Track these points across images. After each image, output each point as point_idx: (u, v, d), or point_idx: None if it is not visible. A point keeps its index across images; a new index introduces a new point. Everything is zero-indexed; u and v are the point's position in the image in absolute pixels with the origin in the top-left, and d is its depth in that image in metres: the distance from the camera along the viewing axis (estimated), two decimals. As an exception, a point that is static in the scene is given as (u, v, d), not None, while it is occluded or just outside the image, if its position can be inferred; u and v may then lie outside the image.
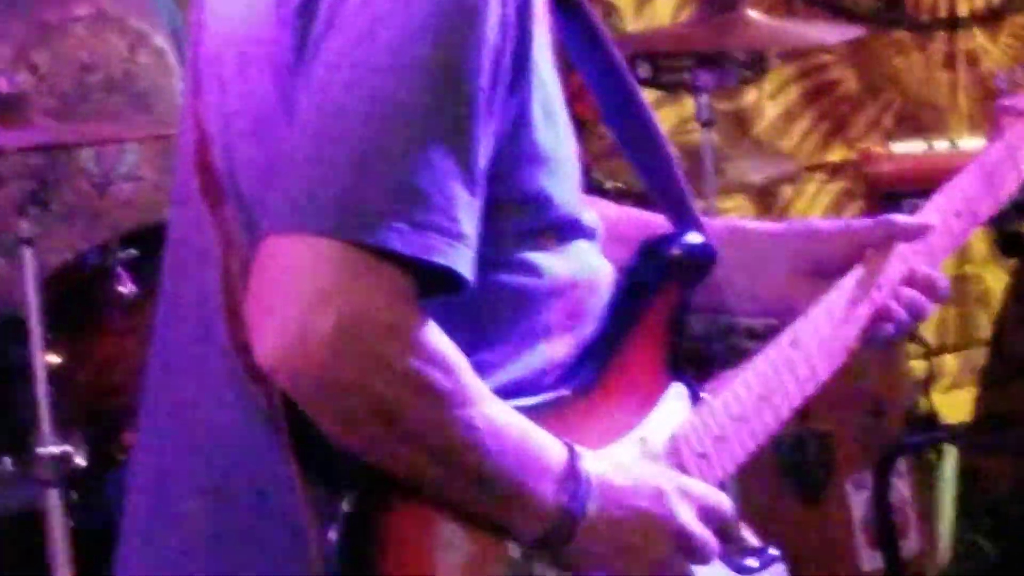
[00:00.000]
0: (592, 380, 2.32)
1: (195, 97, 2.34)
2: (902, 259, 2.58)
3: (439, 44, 2.08)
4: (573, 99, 2.38)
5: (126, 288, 3.75)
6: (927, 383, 4.94)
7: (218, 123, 2.28)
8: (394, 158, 2.08)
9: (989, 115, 3.02)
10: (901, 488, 4.37)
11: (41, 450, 3.51)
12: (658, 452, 2.33)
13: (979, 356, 5.42)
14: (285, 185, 2.11)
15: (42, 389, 3.54)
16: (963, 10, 5.61)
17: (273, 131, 2.18)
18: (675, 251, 2.41)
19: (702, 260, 2.44)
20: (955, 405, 5.36)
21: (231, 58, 2.29)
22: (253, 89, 2.24)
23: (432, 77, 2.09)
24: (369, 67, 2.08)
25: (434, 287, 2.05)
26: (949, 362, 5.58)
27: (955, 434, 4.99)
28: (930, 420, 4.76)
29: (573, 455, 2.18)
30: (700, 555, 2.26)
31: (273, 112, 2.19)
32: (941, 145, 4.66)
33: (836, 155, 5.50)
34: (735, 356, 2.73)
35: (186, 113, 2.37)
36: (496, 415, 2.15)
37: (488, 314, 2.25)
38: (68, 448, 3.54)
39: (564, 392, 2.27)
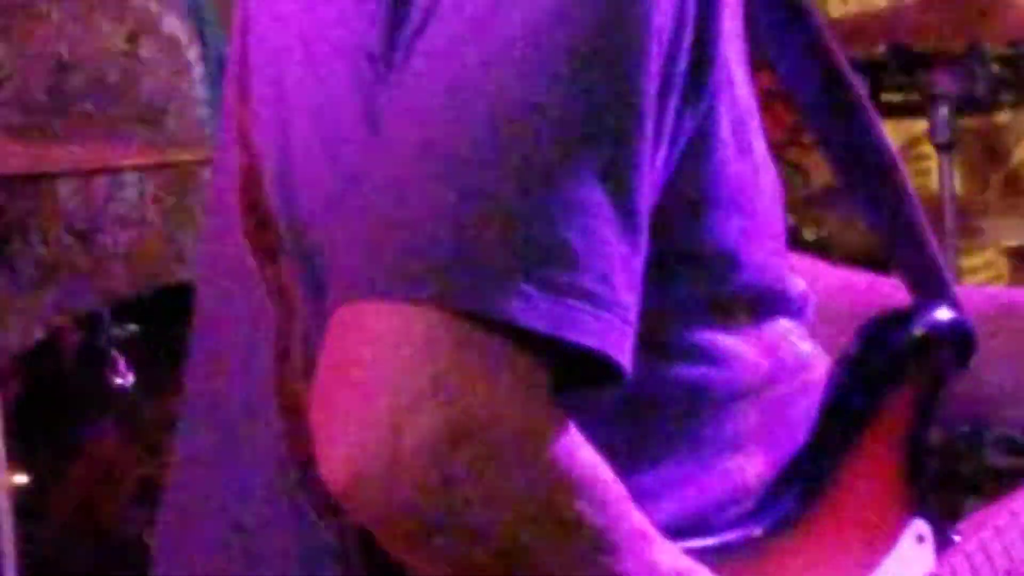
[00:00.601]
0: (796, 515, 1.84)
1: (242, 107, 1.94)
2: None
3: (588, 33, 1.65)
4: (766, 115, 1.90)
5: (123, 379, 3.32)
6: None
7: (273, 142, 1.85)
8: (524, 196, 1.64)
9: None
10: None
11: None
12: None
13: None
14: (367, 230, 1.69)
15: (5, 522, 3.03)
16: None
17: (349, 151, 1.76)
18: (917, 333, 1.90)
19: (955, 346, 1.91)
20: None
21: (293, 56, 1.89)
22: (323, 96, 1.82)
23: (578, 80, 1.66)
24: (488, 66, 1.67)
25: (577, 377, 1.57)
26: None
27: None
28: None
29: None
30: None
31: (349, 126, 1.76)
32: None
33: None
34: (988, 478, 2.97)
35: (227, 129, 1.93)
36: (662, 565, 1.66)
37: (652, 419, 1.76)
38: None
39: (756, 531, 1.81)
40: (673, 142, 1.61)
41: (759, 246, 1.77)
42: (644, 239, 1.53)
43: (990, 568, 1.93)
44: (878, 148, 1.93)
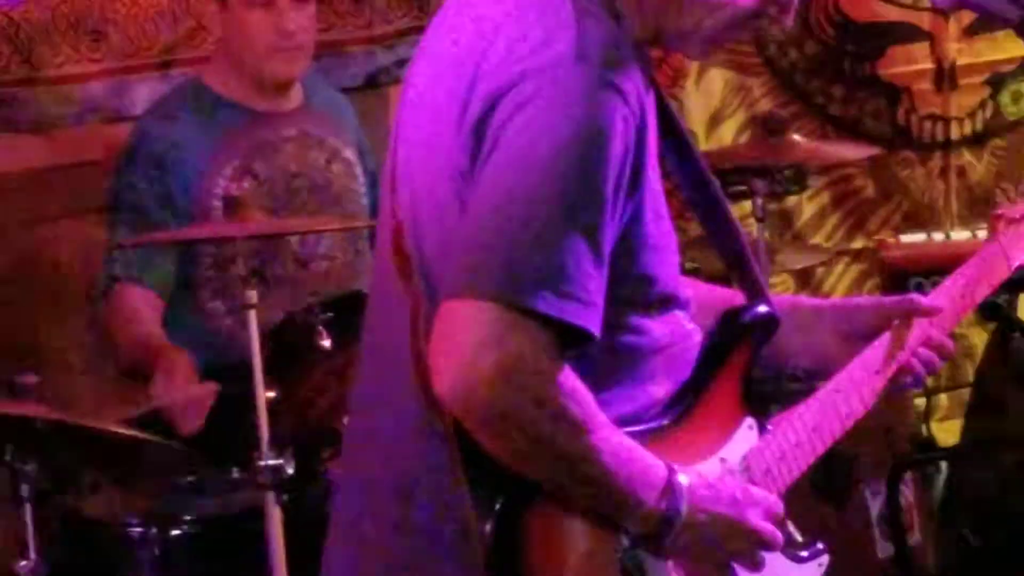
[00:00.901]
0: (684, 414, 2.57)
1: (392, 195, 2.57)
2: (921, 328, 2.87)
3: (578, 160, 2.32)
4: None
5: (325, 341, 4.09)
6: (926, 415, 5.29)
7: (409, 215, 2.53)
8: (543, 244, 2.31)
9: (988, 221, 3.32)
10: (907, 494, 4.73)
11: (261, 463, 3.78)
12: (734, 469, 2.59)
13: (965, 395, 5.60)
14: (457, 262, 2.34)
15: (262, 417, 3.84)
16: (955, 135, 5.78)
17: (449, 221, 2.41)
18: (748, 319, 2.70)
19: (769, 326, 2.69)
20: (947, 432, 5.61)
21: (420, 166, 2.53)
22: (435, 190, 2.47)
23: (573, 185, 2.32)
24: (526, 176, 2.31)
25: (570, 341, 2.30)
26: (943, 399, 5.74)
27: (947, 454, 5.38)
28: (929, 443, 5.15)
29: (671, 471, 2.42)
30: (767, 546, 2.51)
31: (450, 207, 2.42)
32: (938, 237, 5.05)
33: (857, 244, 5.81)
34: (784, 396, 2.87)
35: (384, 208, 2.61)
36: (614, 439, 2.37)
37: (609, 364, 2.48)
38: (281, 461, 3.80)
39: (664, 422, 2.53)
40: (621, 216, 2.36)
41: (665, 270, 2.52)
42: (606, 268, 2.30)
43: (787, 443, 2.71)
44: (725, 215, 2.74)
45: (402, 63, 4.63)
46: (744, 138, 5.52)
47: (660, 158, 2.55)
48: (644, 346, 2.50)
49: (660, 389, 2.52)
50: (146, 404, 4.22)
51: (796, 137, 5.05)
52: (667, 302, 2.53)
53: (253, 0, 4.48)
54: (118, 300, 4.54)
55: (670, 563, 2.47)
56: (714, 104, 5.63)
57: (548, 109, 2.32)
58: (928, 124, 5.77)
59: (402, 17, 5.21)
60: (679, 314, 2.56)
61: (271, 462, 3.77)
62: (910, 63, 5.78)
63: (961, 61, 5.75)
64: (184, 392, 4.26)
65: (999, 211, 3.18)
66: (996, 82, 5.81)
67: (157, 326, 4.50)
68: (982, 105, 5.84)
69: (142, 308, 4.53)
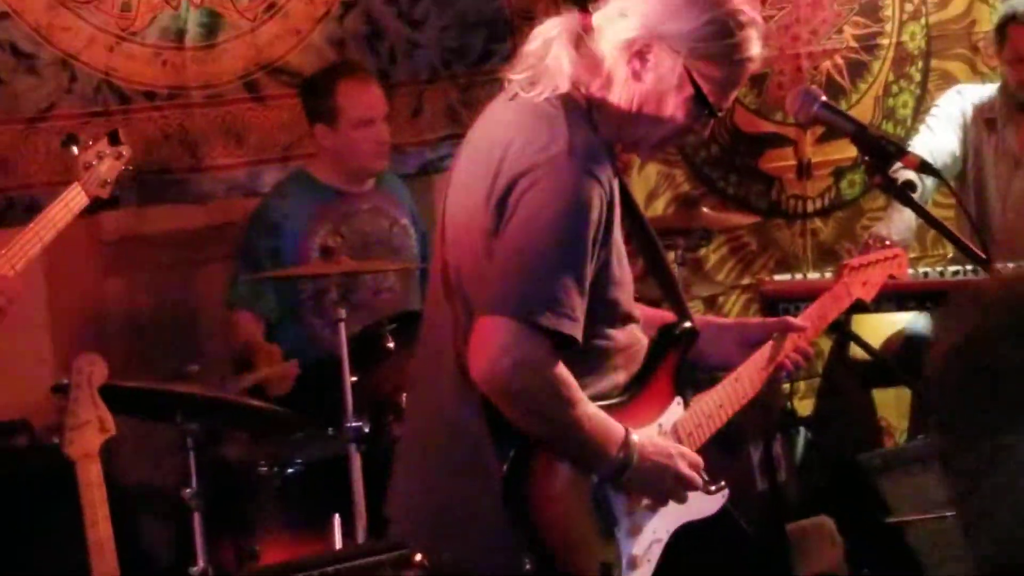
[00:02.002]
0: (635, 394, 2.72)
1: (442, 244, 2.67)
2: (792, 340, 2.95)
3: (568, 226, 2.46)
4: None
5: (390, 344, 4.21)
6: (791, 395, 5.20)
7: (453, 258, 2.63)
8: (545, 281, 2.45)
9: (836, 268, 3.50)
10: (778, 449, 4.79)
11: (347, 424, 3.92)
12: (667, 432, 2.73)
13: (817, 382, 5.62)
14: (487, 291, 2.49)
15: (347, 394, 3.96)
16: (810, 209, 5.80)
17: (481, 263, 2.54)
18: (678, 331, 2.81)
19: (692, 337, 2.81)
20: (805, 407, 5.54)
21: (461, 226, 2.63)
22: (471, 242, 2.57)
23: (565, 242, 2.47)
24: (534, 235, 2.46)
25: (562, 345, 2.44)
26: (802, 385, 5.53)
27: (804, 422, 5.30)
28: (792, 415, 5.15)
29: (627, 432, 2.57)
30: (690, 487, 2.68)
31: (480, 254, 2.54)
32: (799, 277, 4.95)
33: (746, 281, 5.74)
34: (700, 384, 2.97)
35: (436, 254, 2.71)
36: (589, 410, 2.53)
37: (587, 359, 2.60)
38: (360, 423, 3.94)
39: (622, 399, 2.68)
40: (596, 262, 2.46)
41: (624, 297, 2.60)
42: (586, 298, 2.41)
43: (702, 415, 2.77)
44: (662, 259, 2.82)
45: (444, 159, 4.64)
46: (671, 210, 5.58)
47: (621, 221, 2.65)
48: (610, 348, 2.65)
49: (620, 377, 2.68)
50: (252, 379, 4.33)
51: (705, 209, 5.15)
52: (626, 319, 2.66)
53: (359, 123, 4.57)
54: (234, 319, 4.65)
55: (623, 496, 2.63)
56: (650, 186, 5.62)
57: (549, 190, 2.44)
58: (792, 201, 5.80)
59: (444, 127, 5.20)
60: (633, 327, 2.70)
61: (354, 424, 3.90)
62: (781, 160, 5.78)
63: (815, 159, 5.75)
64: (274, 370, 4.40)
65: (844, 262, 3.31)
66: (838, 173, 5.82)
67: (258, 335, 4.59)
68: (828, 189, 5.87)
69: (249, 325, 4.62)
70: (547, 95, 2.56)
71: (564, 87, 2.56)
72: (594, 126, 2.55)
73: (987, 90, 5.20)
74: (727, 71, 2.64)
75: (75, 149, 3.80)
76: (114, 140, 3.83)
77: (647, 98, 2.59)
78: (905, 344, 5.19)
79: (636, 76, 2.57)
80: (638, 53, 2.56)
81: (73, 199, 3.64)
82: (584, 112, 2.56)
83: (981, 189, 5.16)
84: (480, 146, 2.63)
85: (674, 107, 2.62)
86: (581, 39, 2.60)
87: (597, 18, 2.62)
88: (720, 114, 2.72)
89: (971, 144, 5.14)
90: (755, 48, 2.66)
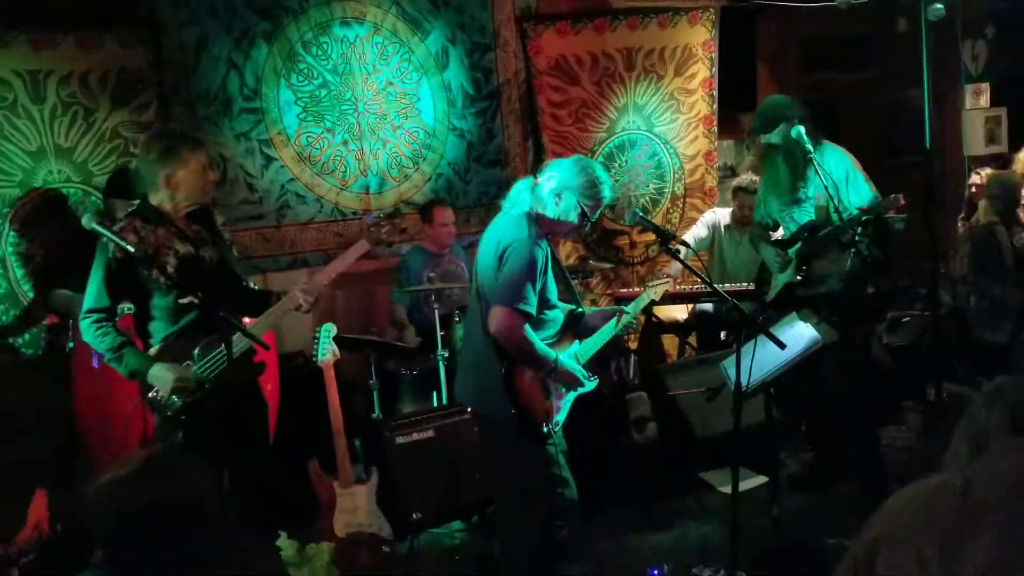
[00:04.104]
0: (558, 340, 2.76)
1: (476, 277, 2.74)
2: (621, 316, 2.77)
3: (528, 266, 2.54)
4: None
5: (457, 319, 4.33)
6: (627, 339, 5.12)
7: (479, 281, 2.71)
8: (519, 289, 2.54)
9: (643, 287, 3.16)
10: (622, 363, 4.87)
11: (439, 353, 4.17)
12: (572, 355, 2.70)
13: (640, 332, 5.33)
14: (495, 295, 2.60)
15: (438, 339, 4.14)
16: (636, 260, 5.31)
17: (491, 284, 2.65)
18: (576, 312, 2.79)
19: (581, 315, 2.80)
20: (634, 344, 5.28)
21: (484, 267, 2.69)
22: (488, 275, 2.65)
23: (526, 275, 2.55)
24: (515, 270, 2.57)
25: (528, 319, 2.53)
26: (633, 336, 5.22)
27: (635, 352, 5.15)
28: (628, 348, 5.14)
29: (556, 356, 2.62)
30: (578, 381, 2.63)
31: (492, 278, 2.65)
32: (628, 290, 4.72)
33: (608, 292, 5.40)
34: (584, 335, 2.79)
35: (472, 280, 2.77)
36: (540, 347, 2.63)
37: (537, 324, 2.66)
38: (445, 352, 4.15)
39: (553, 341, 2.74)
40: (540, 282, 2.57)
41: (551, 298, 2.63)
42: (536, 296, 2.54)
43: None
44: (568, 281, 2.66)
45: (476, 240, 3.66)
46: (575, 260, 5.50)
47: (552, 266, 2.74)
48: (548, 319, 2.77)
49: (550, 330, 2.77)
50: (399, 336, 4.75)
51: (591, 261, 5.34)
52: (552, 307, 2.78)
53: (440, 224, 4.97)
54: (392, 308, 5.02)
55: (554, 383, 2.66)
56: (567, 251, 5.58)
57: (519, 252, 2.57)
58: (628, 257, 5.54)
59: (477, 227, 5.25)
60: (556, 310, 2.80)
61: (442, 353, 4.32)
62: (623, 240, 5.65)
63: (637, 240, 5.67)
64: (408, 332, 4.82)
65: (646, 283, 3.25)
66: (647, 245, 5.60)
67: (404, 316, 4.96)
68: (644, 251, 5.68)
69: (399, 311, 4.98)
70: (516, 212, 2.67)
71: (525, 209, 2.70)
72: (539, 226, 2.68)
73: (725, 212, 5.41)
74: (595, 202, 2.77)
75: (368, 221, 3.57)
76: (392, 216, 3.49)
77: (560, 215, 2.68)
78: (697, 315, 5.34)
79: (556, 204, 2.67)
80: (557, 195, 2.68)
81: (360, 247, 3.37)
82: (534, 219, 2.66)
83: (721, 254, 5.35)
84: (490, 234, 2.77)
85: (572, 218, 2.72)
86: (533, 186, 2.73)
87: (540, 178, 2.74)
88: (593, 221, 2.78)
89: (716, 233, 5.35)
90: (608, 192, 2.77)
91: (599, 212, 2.79)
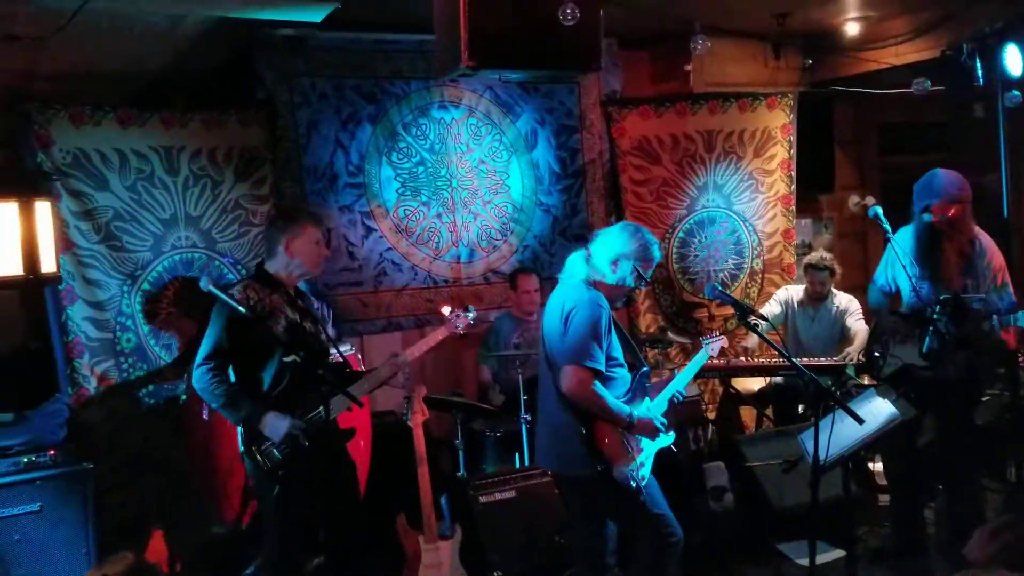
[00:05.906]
0: (627, 400, 2.74)
1: (544, 339, 2.71)
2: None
3: (593, 326, 2.54)
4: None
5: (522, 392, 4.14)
6: (704, 408, 5.02)
7: (547, 344, 2.73)
8: (587, 348, 2.52)
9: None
10: (700, 431, 4.73)
11: (521, 415, 4.12)
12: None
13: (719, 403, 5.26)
14: (564, 353, 2.59)
15: (522, 402, 4.00)
16: (718, 333, 4.29)
17: (559, 348, 2.67)
18: (643, 370, 2.63)
19: (648, 373, 2.57)
20: (711, 414, 5.15)
21: (551, 331, 2.69)
22: (556, 336, 2.64)
23: (593, 332, 2.55)
24: (581, 330, 2.56)
25: (597, 375, 2.52)
26: (710, 404, 5.20)
27: (712, 421, 5.02)
28: (705, 416, 4.98)
29: (631, 411, 2.60)
30: (655, 433, 2.60)
31: (559, 341, 2.65)
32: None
33: (678, 360, 5.13)
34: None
35: (541, 347, 2.71)
36: (613, 403, 2.60)
37: (606, 381, 2.63)
38: (527, 416, 4.07)
39: (626, 399, 2.73)
40: (606, 341, 2.62)
41: (617, 356, 2.53)
42: (603, 354, 2.55)
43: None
44: (634, 345, 2.64)
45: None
46: (655, 330, 5.43)
47: (615, 328, 2.74)
48: (616, 377, 2.74)
49: (619, 388, 2.74)
50: (471, 399, 4.64)
51: (669, 333, 5.13)
52: (618, 365, 2.77)
53: (524, 291, 4.98)
54: (479, 370, 4.95)
55: (633, 436, 2.65)
56: (648, 320, 5.51)
57: (583, 313, 2.60)
58: (706, 332, 5.08)
59: (541, 303, 4.92)
60: (624, 367, 2.80)
61: (524, 416, 4.17)
62: (702, 312, 5.67)
63: (715, 312, 5.58)
64: (494, 393, 4.70)
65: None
66: (725, 319, 5.58)
67: (489, 377, 4.89)
68: (723, 324, 5.58)
69: (485, 373, 4.91)
70: (575, 281, 2.76)
71: (582, 278, 2.78)
72: (596, 291, 2.75)
73: (798, 289, 5.38)
74: (647, 263, 2.83)
75: (446, 310, 3.66)
76: (468, 310, 3.71)
77: (618, 280, 2.71)
78: (773, 388, 5.29)
79: (613, 271, 2.73)
80: (613, 262, 2.73)
81: (442, 332, 3.51)
82: (592, 285, 2.73)
83: (795, 329, 5.31)
84: (554, 301, 2.85)
85: (629, 283, 2.77)
86: (587, 257, 2.80)
87: (592, 249, 2.79)
88: (647, 280, 2.79)
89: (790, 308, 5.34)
90: (658, 252, 2.81)
91: (650, 272, 2.84)
